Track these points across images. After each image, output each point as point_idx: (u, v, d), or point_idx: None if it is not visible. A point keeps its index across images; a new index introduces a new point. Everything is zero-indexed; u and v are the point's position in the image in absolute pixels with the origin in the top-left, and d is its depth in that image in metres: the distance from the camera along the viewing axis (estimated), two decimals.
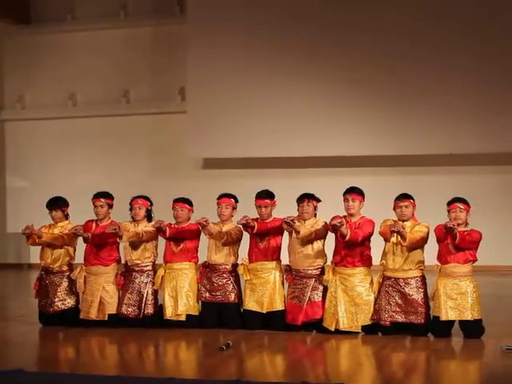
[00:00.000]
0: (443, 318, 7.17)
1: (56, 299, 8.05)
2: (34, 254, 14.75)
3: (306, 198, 7.66)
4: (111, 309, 7.95)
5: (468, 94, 13.08)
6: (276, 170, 14.21)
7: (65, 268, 8.12)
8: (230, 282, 7.85)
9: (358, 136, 13.47)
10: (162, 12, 15.00)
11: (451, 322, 7.24)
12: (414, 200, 7.46)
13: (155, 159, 15.08)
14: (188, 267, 7.94)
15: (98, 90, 15.25)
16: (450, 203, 7.34)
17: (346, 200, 7.54)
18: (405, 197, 7.43)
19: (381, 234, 7.39)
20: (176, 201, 8.03)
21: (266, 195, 7.83)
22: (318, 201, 7.71)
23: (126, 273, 8.03)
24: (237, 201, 7.99)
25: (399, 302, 7.31)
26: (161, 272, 7.93)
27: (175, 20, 14.84)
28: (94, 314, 7.95)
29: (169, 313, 7.85)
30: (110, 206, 8.14)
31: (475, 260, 7.27)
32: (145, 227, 7.95)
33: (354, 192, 7.55)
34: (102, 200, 8.08)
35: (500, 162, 13.52)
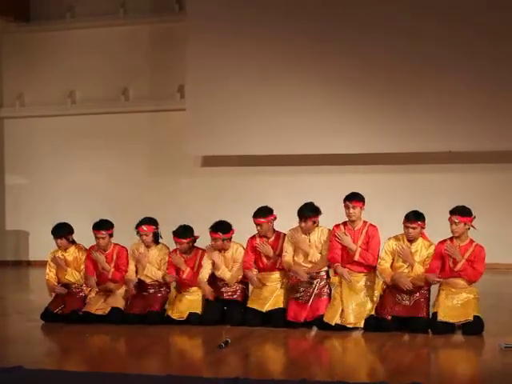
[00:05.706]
0: (443, 320, 7.16)
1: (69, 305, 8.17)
2: (33, 252, 14.82)
3: (306, 216, 7.46)
4: (115, 304, 8.03)
5: (467, 92, 13.02)
6: (275, 167, 14.14)
7: (81, 282, 8.28)
8: (238, 287, 7.96)
9: (358, 134, 13.42)
10: (161, 9, 14.94)
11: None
12: (423, 220, 7.27)
13: (154, 157, 15.03)
14: (197, 290, 8.01)
15: (96, 87, 15.20)
16: (450, 212, 7.16)
17: (346, 207, 7.43)
18: (415, 217, 7.25)
19: (379, 271, 7.39)
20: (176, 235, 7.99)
21: (259, 214, 7.71)
22: (320, 214, 7.60)
23: (139, 285, 8.16)
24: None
25: (402, 297, 7.32)
26: (172, 294, 8.10)
27: (174, 17, 14.77)
28: (99, 309, 8.03)
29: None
30: (111, 235, 8.19)
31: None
32: (164, 277, 8.02)
33: (354, 199, 7.42)
34: (104, 233, 8.11)
35: (499, 160, 13.48)
